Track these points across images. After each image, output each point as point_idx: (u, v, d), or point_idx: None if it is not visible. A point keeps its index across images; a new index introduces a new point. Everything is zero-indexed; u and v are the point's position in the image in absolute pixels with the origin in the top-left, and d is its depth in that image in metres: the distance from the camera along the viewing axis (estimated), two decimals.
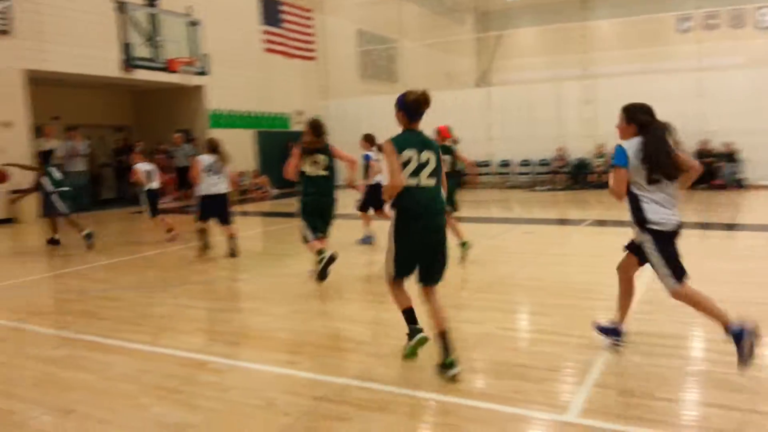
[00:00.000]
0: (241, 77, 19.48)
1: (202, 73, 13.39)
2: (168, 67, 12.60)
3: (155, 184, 10.17)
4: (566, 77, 20.13)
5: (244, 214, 14.34)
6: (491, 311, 5.33)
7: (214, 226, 8.61)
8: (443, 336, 3.87)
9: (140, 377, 4.05)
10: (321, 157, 6.55)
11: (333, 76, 22.75)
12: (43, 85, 15.00)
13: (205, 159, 8.39)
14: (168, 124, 18.46)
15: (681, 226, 4.02)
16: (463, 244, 7.62)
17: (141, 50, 12.03)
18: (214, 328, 5.25)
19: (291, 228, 11.48)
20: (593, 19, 21.79)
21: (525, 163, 19.05)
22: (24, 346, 4.92)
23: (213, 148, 8.53)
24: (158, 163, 17.69)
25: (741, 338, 3.59)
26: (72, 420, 3.46)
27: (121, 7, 11.53)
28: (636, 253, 4.21)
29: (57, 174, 9.81)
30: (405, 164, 3.92)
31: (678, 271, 3.99)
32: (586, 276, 6.59)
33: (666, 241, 3.99)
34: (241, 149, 19.19)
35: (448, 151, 7.86)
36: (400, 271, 4.04)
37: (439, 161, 4.04)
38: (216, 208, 8.42)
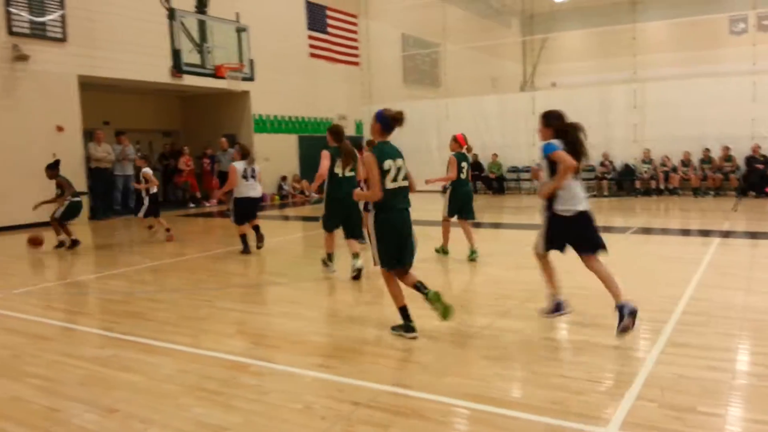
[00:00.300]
0: (286, 82, 19.75)
1: (248, 79, 13.60)
2: (216, 73, 12.84)
3: (155, 188, 10.82)
4: (613, 81, 19.75)
5: (285, 218, 14.50)
6: (533, 320, 5.26)
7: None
8: (417, 287, 4.81)
9: (182, 378, 4.14)
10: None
11: (376, 81, 22.85)
12: (93, 91, 15.50)
13: (240, 165, 8.91)
14: (214, 129, 18.86)
15: (583, 213, 4.77)
16: (472, 253, 8.00)
17: (190, 56, 12.29)
18: (254, 331, 5.33)
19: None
20: (643, 21, 21.29)
21: None
22: (71, 345, 5.09)
23: (245, 154, 9.12)
24: (202, 167, 18.17)
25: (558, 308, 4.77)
26: (114, 419, 3.56)
27: (172, 14, 11.79)
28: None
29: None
30: (387, 172, 4.71)
31: (549, 245, 4.86)
32: (629, 286, 6.41)
33: (561, 224, 4.73)
34: (284, 154, 19.46)
35: (465, 158, 8.10)
36: (390, 262, 4.82)
37: (405, 165, 4.89)
38: (252, 210, 9.10)
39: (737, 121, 16.38)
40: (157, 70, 15.57)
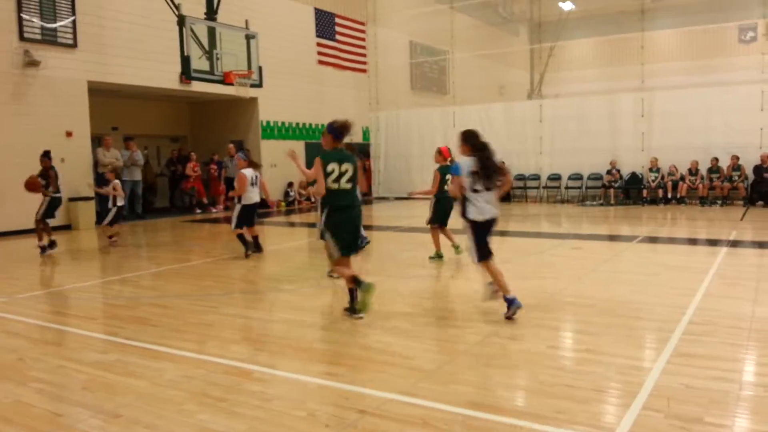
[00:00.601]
0: (293, 89, 19.83)
1: (256, 85, 13.67)
2: (224, 80, 12.91)
3: (122, 200, 11.24)
4: (621, 89, 19.72)
5: (291, 224, 14.51)
6: (538, 328, 5.25)
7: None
8: (352, 291, 5.66)
9: (186, 384, 4.14)
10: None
11: (384, 88, 22.91)
12: (102, 96, 15.61)
13: (249, 172, 9.26)
14: (222, 135, 18.94)
15: (494, 220, 5.65)
16: (457, 248, 8.57)
17: (199, 63, 12.36)
18: (259, 338, 5.33)
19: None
20: (651, 29, 21.26)
21: (576, 176, 18.69)
22: (76, 350, 5.09)
23: (253, 161, 9.62)
24: (209, 173, 18.22)
25: (512, 304, 5.42)
26: (118, 424, 3.56)
27: (182, 21, 11.86)
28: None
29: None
30: (329, 173, 5.46)
31: (482, 252, 5.61)
32: (636, 295, 6.41)
33: (480, 229, 5.61)
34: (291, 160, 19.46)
35: (449, 171, 7.96)
36: (342, 251, 5.71)
37: (356, 171, 5.62)
38: (252, 215, 9.46)
39: (746, 130, 16.31)
40: (166, 77, 15.67)
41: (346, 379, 4.16)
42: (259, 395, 3.92)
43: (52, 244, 10.09)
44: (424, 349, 4.80)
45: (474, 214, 5.56)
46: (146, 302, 6.72)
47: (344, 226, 5.64)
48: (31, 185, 9.90)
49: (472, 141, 5.69)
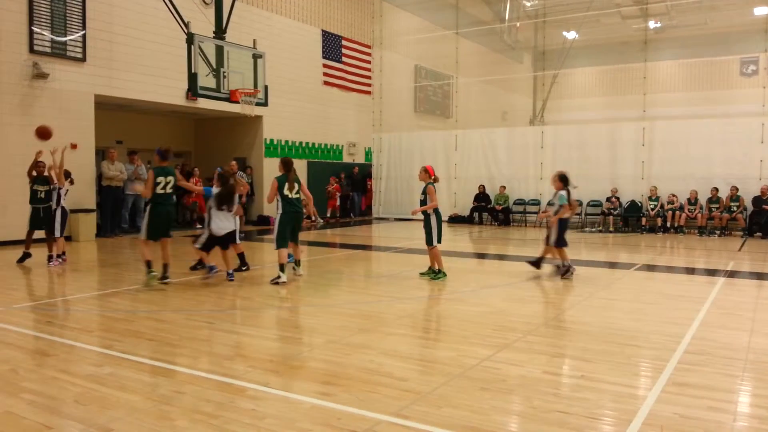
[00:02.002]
0: (298, 108, 19.99)
1: (262, 104, 13.79)
2: (230, 98, 13.02)
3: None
4: (623, 118, 19.85)
5: None
6: (534, 353, 5.24)
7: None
8: (148, 263, 8.39)
9: (179, 400, 4.13)
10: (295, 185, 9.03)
11: (387, 110, 23.09)
12: (108, 110, 15.73)
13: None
14: (225, 152, 19.05)
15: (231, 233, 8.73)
16: (429, 273, 9.16)
17: (206, 80, 12.48)
18: (254, 355, 5.32)
19: (337, 258, 11.59)
20: (653, 60, 21.46)
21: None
22: (70, 362, 5.09)
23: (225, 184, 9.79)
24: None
25: (211, 270, 8.66)
26: None
27: (191, 39, 11.99)
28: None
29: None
30: (158, 184, 8.34)
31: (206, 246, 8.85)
32: (632, 323, 6.41)
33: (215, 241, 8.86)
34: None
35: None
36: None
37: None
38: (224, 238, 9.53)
39: (745, 161, 16.40)
40: (172, 93, 15.81)
41: (340, 399, 4.15)
42: (252, 413, 3.91)
43: (25, 255, 10.28)
44: (419, 371, 4.79)
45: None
46: (144, 316, 6.71)
47: (160, 218, 8.44)
48: (43, 133, 9.97)
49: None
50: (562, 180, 9.09)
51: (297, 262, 9.29)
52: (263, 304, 7.61)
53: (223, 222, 8.86)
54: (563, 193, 9.06)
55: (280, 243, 8.71)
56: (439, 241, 9.06)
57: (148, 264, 8.36)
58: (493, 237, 16.39)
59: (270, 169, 18.61)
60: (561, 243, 8.97)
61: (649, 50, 20.19)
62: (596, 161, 18.40)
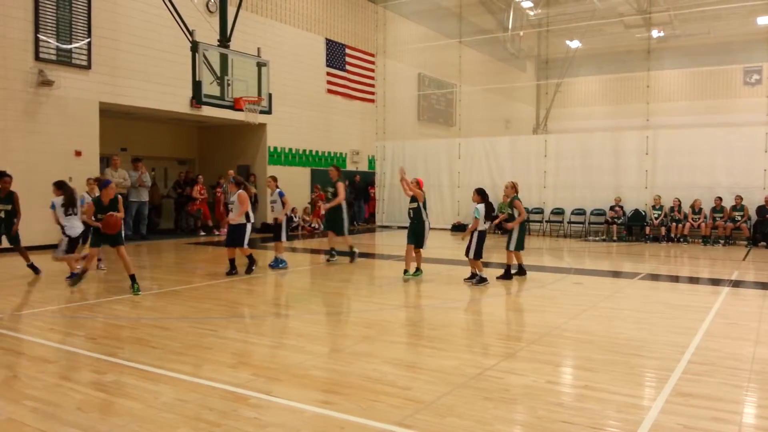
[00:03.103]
0: (302, 116, 20.05)
1: (266, 112, 13.83)
2: (234, 106, 13.06)
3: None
4: (626, 127, 19.85)
5: (293, 250, 14.52)
6: (538, 363, 5.22)
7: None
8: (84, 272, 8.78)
9: (181, 407, 4.12)
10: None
11: (391, 118, 23.14)
12: (112, 117, 15.79)
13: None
14: (229, 159, 19.10)
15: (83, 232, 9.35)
16: (407, 273, 10.16)
17: (210, 88, 12.53)
18: (257, 363, 5.31)
19: (340, 266, 11.58)
20: (657, 69, 21.50)
21: (579, 212, 18.71)
22: (72, 369, 5.09)
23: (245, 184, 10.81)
24: (215, 196, 18.32)
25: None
26: None
27: (195, 47, 12.04)
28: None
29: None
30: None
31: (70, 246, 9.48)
32: (636, 333, 6.39)
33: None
34: (297, 186, 19.60)
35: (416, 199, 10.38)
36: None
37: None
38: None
39: (749, 171, 16.37)
40: (176, 100, 15.88)
41: (343, 408, 4.14)
42: (254, 422, 3.90)
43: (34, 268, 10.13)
44: (423, 380, 4.78)
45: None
46: (147, 323, 6.71)
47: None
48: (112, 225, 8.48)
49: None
50: (480, 193, 9.70)
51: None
52: (267, 312, 7.60)
53: (75, 223, 9.59)
54: (480, 206, 9.54)
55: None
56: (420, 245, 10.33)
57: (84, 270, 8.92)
58: (496, 246, 16.35)
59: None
60: (478, 255, 9.33)
61: (652, 59, 20.23)
62: (599, 170, 18.38)
